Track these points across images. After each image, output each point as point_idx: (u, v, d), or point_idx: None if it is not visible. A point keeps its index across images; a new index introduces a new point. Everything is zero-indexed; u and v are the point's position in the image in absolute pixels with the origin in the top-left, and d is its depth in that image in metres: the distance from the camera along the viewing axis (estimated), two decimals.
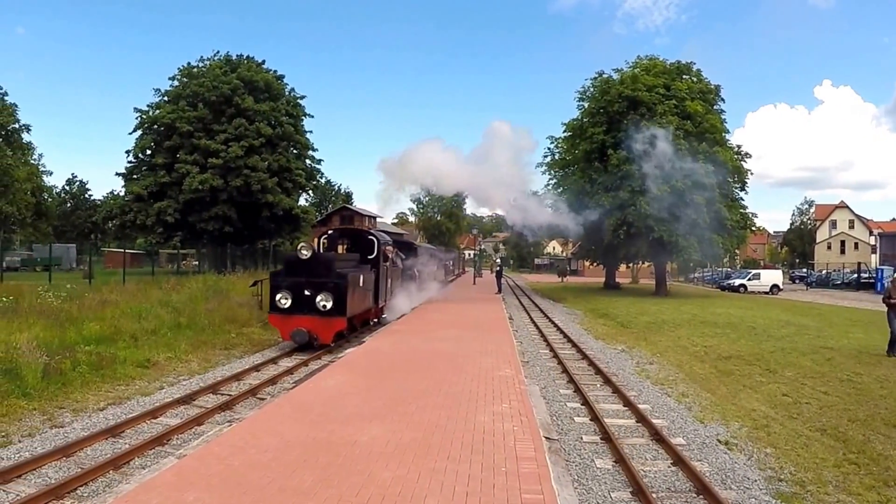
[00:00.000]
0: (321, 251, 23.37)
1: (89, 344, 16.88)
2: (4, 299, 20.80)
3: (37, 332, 16.52)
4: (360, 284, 20.87)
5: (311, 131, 62.69)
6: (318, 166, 64.48)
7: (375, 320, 24.74)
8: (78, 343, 16.66)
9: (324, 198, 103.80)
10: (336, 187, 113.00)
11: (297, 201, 61.41)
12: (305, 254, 19.28)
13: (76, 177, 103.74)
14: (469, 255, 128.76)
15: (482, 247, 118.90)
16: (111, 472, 8.99)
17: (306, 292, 18.93)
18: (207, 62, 59.48)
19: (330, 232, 24.83)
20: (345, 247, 24.34)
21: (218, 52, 61.30)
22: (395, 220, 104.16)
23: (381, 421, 9.84)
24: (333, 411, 10.45)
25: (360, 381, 12.95)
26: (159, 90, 58.77)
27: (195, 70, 58.34)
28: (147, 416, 11.82)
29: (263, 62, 60.23)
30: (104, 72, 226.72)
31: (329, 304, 18.78)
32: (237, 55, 60.37)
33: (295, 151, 60.86)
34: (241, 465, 7.85)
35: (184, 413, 12.24)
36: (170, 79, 59.38)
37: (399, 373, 13.89)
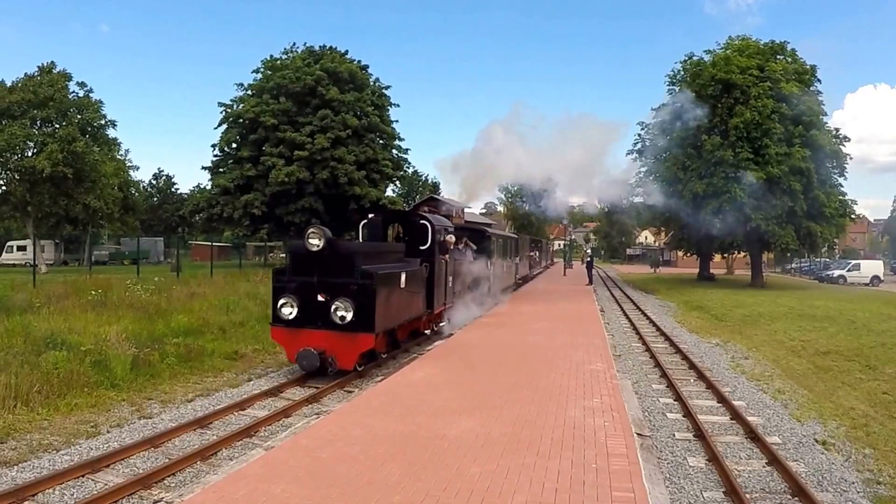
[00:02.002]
0: (361, 240, 19.28)
1: (177, 336, 17.34)
2: (94, 293, 21.43)
3: (126, 325, 17.06)
4: (403, 285, 15.95)
5: (396, 121, 62.84)
6: (404, 156, 64.68)
7: (428, 332, 19.54)
8: (166, 335, 17.12)
9: (411, 188, 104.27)
10: (423, 177, 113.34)
11: (385, 192, 61.67)
12: (316, 243, 14.01)
13: (162, 171, 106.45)
14: (559, 245, 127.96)
15: (572, 237, 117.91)
16: (198, 462, 9.23)
17: (319, 297, 14.13)
18: (290, 54, 59.97)
19: (371, 216, 20.16)
20: (394, 235, 19.90)
21: (295, 43, 61.78)
22: (484, 210, 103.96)
23: (470, 415, 9.86)
24: (422, 404, 10.51)
25: (448, 373, 13.02)
26: (242, 84, 59.62)
27: (278, 63, 58.87)
28: (235, 407, 12.12)
29: (346, 52, 60.43)
30: (188, 67, 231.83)
31: (349, 315, 13.80)
32: (320, 46, 60.65)
33: (381, 142, 61.02)
34: (329, 457, 7.96)
35: (271, 405, 12.54)
36: (253, 72, 60.20)
37: (488, 366, 13.89)
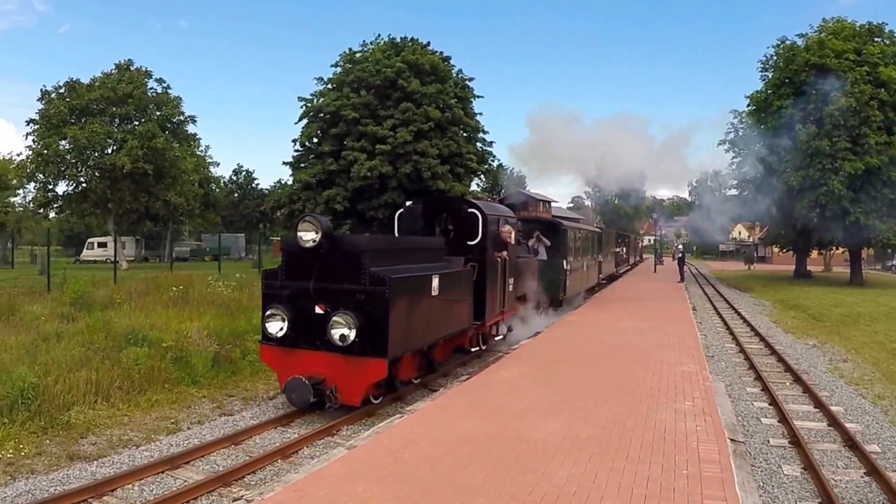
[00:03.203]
0: (397, 233, 16.29)
1: (259, 333, 17.52)
2: (175, 289, 21.72)
3: (207, 321, 17.29)
4: (436, 291, 12.61)
5: (480, 113, 62.61)
6: (489, 149, 64.44)
7: (476, 349, 15.84)
8: (248, 332, 17.14)
9: (496, 182, 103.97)
10: (508, 171, 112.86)
11: (469, 187, 61.54)
12: (309, 238, 11.12)
13: (242, 167, 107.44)
14: (649, 240, 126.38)
15: (663, 232, 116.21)
16: (279, 461, 9.31)
17: (317, 309, 11.19)
18: (370, 46, 60.12)
19: (409, 204, 16.83)
20: (442, 227, 16.39)
21: (380, 34, 61.79)
22: (571, 205, 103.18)
23: (557, 416, 9.80)
24: (507, 404, 10.49)
25: (535, 373, 12.94)
26: (321, 78, 59.97)
27: (357, 55, 59.00)
28: (317, 405, 12.20)
29: (428, 44, 60.34)
30: (267, 61, 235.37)
31: (351, 334, 10.69)
32: (401, 38, 60.59)
33: (465, 135, 60.81)
34: (412, 458, 7.98)
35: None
36: (332, 65, 60.12)
37: (576, 365, 13.79)
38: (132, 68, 57.19)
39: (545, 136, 27.96)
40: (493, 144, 62.61)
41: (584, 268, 28.80)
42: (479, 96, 62.78)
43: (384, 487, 7.04)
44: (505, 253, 16.45)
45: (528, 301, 20.04)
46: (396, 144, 53.19)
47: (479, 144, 62.49)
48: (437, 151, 55.10)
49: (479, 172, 65.02)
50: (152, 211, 57.28)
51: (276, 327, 11.50)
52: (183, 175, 57.34)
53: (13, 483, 8.49)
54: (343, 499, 6.76)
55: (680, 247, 64.67)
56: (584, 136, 29.20)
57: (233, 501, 7.59)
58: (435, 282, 12.58)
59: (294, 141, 59.46)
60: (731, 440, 9.04)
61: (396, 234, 16.08)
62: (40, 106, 54.99)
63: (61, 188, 57.02)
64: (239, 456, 9.45)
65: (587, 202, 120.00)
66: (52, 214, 62.72)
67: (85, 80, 55.82)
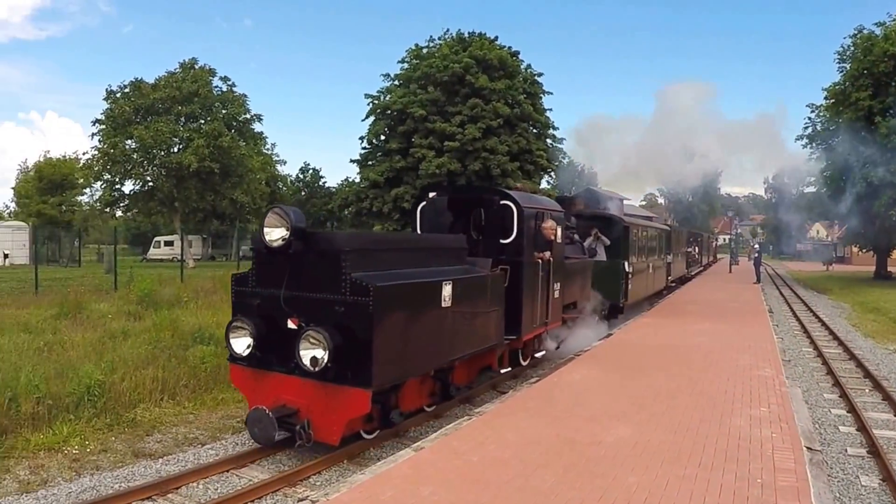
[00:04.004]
0: (419, 230, 14.12)
1: None
2: None
3: None
4: (448, 302, 10.29)
5: (550, 109, 62.20)
6: (559, 146, 64.09)
7: (505, 370, 13.37)
8: None
9: (566, 179, 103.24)
10: (579, 168, 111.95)
11: (539, 184, 61.26)
12: (276, 236, 9.09)
13: (309, 165, 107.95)
14: (723, 239, 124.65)
15: (738, 231, 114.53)
16: (345, 461, 9.36)
17: (290, 323, 9.17)
18: (437, 42, 60.13)
19: (432, 196, 14.13)
20: (476, 222, 14.09)
21: (448, 29, 61.86)
22: (643, 202, 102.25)
23: (628, 420, 9.74)
24: (578, 407, 10.44)
25: (606, 375, 12.85)
26: (388, 75, 60.29)
27: (424, 51, 59.14)
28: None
29: (496, 38, 60.03)
30: (333, 58, 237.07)
31: (323, 356, 8.56)
32: (468, 33, 60.32)
33: (535, 131, 60.60)
34: (480, 461, 7.98)
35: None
36: (399, 62, 60.46)
37: (649, 368, 13.66)
38: (196, 67, 58.10)
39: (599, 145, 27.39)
40: (564, 141, 61.67)
41: (650, 269, 26.88)
42: (548, 92, 62.44)
43: (451, 490, 7.07)
44: (548, 253, 14.09)
45: (582, 309, 17.84)
46: (465, 141, 53.21)
47: (548, 141, 62.13)
48: (506, 148, 54.99)
49: (549, 170, 64.65)
50: (219, 209, 58.09)
51: (242, 344, 9.48)
52: (249, 173, 58.14)
53: (78, 479, 8.69)
54: (409, 501, 6.80)
55: (756, 246, 63.56)
56: (652, 138, 28.70)
57: (298, 501, 7.66)
58: (446, 290, 10.25)
59: (361, 138, 59.87)
60: (808, 448, 8.88)
61: (419, 231, 14.01)
62: (105, 106, 56.29)
63: (128, 187, 58.41)
64: (305, 456, 9.48)
65: (660, 200, 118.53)
66: (118, 213, 63.94)
67: (149, 80, 57.02)
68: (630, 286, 22.15)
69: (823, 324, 25.79)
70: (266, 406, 8.81)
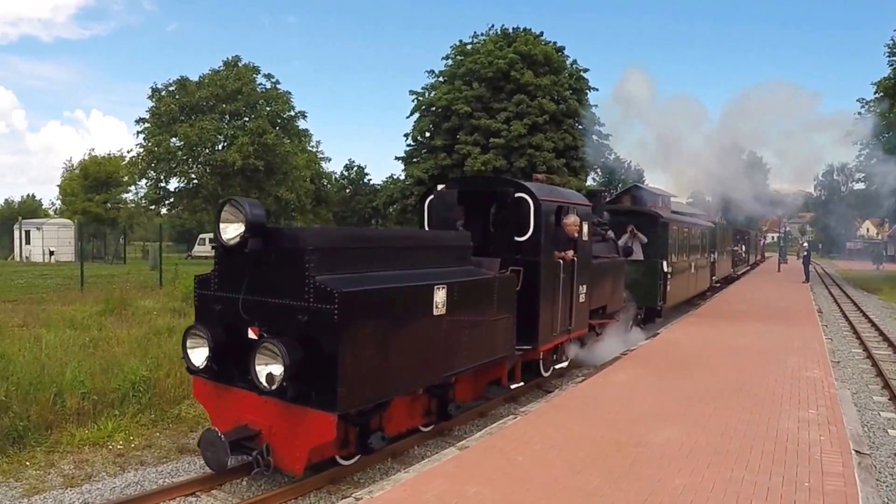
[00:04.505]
0: (427, 227, 12.63)
1: None
2: None
3: None
4: (440, 309, 8.89)
5: (596, 105, 62.01)
6: (605, 142, 63.79)
7: (515, 385, 12.00)
8: None
9: (612, 177, 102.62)
10: (626, 165, 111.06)
11: (585, 182, 61.05)
12: (231, 233, 7.94)
13: (354, 162, 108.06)
14: (772, 237, 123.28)
15: (787, 229, 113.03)
16: (389, 459, 9.41)
17: (250, 334, 7.95)
18: (482, 38, 60.14)
19: (440, 189, 12.52)
20: (495, 217, 12.66)
21: (493, 25, 61.76)
22: (690, 199, 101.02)
23: (674, 421, 9.72)
24: (624, 408, 10.44)
25: (653, 376, 12.83)
26: (433, 71, 60.48)
27: (468, 47, 59.20)
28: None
29: (541, 34, 60.02)
30: (376, 55, 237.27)
31: (279, 373, 7.34)
32: (513, 28, 60.35)
33: (580, 128, 60.42)
34: (525, 460, 8.02)
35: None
36: (443, 58, 60.81)
37: (696, 368, 13.61)
38: (240, 64, 58.56)
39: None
40: (610, 137, 61.37)
41: (692, 269, 25.45)
42: (594, 88, 62.21)
43: (496, 489, 7.11)
44: (571, 252, 12.86)
45: (613, 313, 16.60)
46: (510, 138, 53.19)
47: (594, 137, 61.75)
48: (552, 145, 54.89)
49: (596, 166, 64.34)
50: (263, 207, 58.44)
51: (199, 356, 8.27)
52: (294, 171, 58.53)
53: (122, 474, 8.85)
54: (454, 499, 6.85)
55: (805, 244, 62.81)
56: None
57: (342, 499, 7.66)
58: (439, 295, 8.85)
59: (406, 135, 60.14)
60: (857, 452, 8.82)
61: (427, 228, 12.55)
62: (150, 104, 57.18)
63: (172, 184, 59.24)
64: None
65: (708, 197, 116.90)
66: (163, 211, 64.68)
67: (193, 78, 57.63)
68: (669, 287, 20.95)
69: (873, 324, 25.44)
70: (229, 425, 7.98)
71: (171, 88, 57.53)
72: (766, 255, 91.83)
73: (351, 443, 8.49)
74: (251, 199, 8.03)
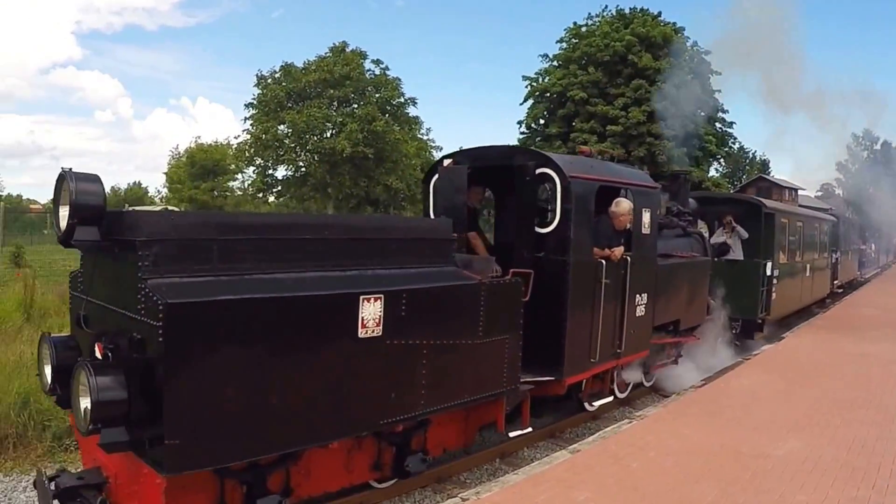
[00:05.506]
0: (431, 213, 10.01)
1: None
2: None
3: None
4: (373, 330, 6.32)
5: (719, 90, 59.95)
6: (729, 130, 61.90)
7: (520, 431, 8.88)
8: None
9: (736, 167, 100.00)
10: (750, 154, 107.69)
11: (708, 172, 59.58)
12: (61, 216, 5.66)
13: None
14: None
15: None
16: (497, 460, 9.34)
17: (96, 352, 5.64)
18: (597, 19, 58.75)
19: (448, 163, 9.59)
20: (504, 204, 11.29)
21: (607, 6, 60.41)
22: (819, 193, 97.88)
23: (798, 432, 9.42)
24: (745, 416, 10.17)
25: (776, 383, 12.44)
26: (547, 56, 59.63)
27: (584, 30, 58.01)
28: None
29: (659, 14, 58.18)
30: (488, 38, 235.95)
31: (89, 412, 5.15)
32: (629, 9, 58.51)
33: (703, 114, 58.58)
34: (639, 467, 7.90)
35: (575, 406, 11.70)
36: (557, 41, 59.65)
37: (822, 377, 13.16)
38: (347, 50, 58.86)
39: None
40: (734, 125, 59.45)
41: (807, 272, 21.48)
42: (716, 72, 60.41)
43: (608, 496, 7.01)
44: (620, 249, 9.96)
45: (691, 329, 13.43)
46: (628, 125, 52.20)
47: (717, 125, 60.16)
48: (672, 133, 53.64)
49: (719, 156, 62.77)
50: (372, 196, 58.53)
51: (46, 377, 6.58)
52: (404, 159, 58.46)
53: None
54: None
55: None
56: None
57: (447, 499, 7.63)
58: (369, 309, 6.31)
59: (520, 122, 59.62)
60: None
61: (431, 215, 9.92)
62: (256, 91, 57.76)
63: (280, 172, 59.78)
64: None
65: (838, 191, 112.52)
66: (270, 199, 65.44)
67: (298, 64, 58.07)
68: (774, 295, 17.56)
69: None
70: (89, 464, 6.54)
71: (277, 75, 58.13)
72: None
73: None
74: (89, 174, 5.62)
